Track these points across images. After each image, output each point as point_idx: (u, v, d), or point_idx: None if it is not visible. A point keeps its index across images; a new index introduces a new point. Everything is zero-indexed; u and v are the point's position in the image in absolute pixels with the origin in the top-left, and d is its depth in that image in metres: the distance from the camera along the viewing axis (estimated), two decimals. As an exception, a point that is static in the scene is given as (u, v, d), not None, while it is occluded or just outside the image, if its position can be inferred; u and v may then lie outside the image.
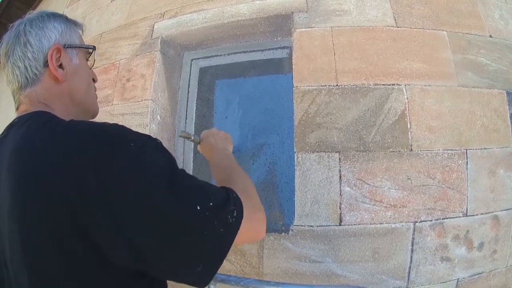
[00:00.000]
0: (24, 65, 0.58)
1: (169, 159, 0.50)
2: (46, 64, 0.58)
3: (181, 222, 0.45)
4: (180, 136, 0.98)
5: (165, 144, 1.49)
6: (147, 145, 0.48)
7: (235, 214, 0.50)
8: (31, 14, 0.62)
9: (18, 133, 0.52)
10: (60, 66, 0.60)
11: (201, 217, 0.46)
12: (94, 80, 0.71)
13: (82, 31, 0.70)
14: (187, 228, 0.45)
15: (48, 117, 0.54)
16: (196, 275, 0.48)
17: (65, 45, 0.61)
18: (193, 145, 1.49)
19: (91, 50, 0.68)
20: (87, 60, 0.69)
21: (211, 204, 0.47)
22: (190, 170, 1.47)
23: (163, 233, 0.44)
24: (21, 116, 0.57)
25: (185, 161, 1.49)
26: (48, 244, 0.43)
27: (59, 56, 0.60)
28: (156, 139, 0.51)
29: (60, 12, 2.27)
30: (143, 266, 0.45)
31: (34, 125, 0.52)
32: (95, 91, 0.72)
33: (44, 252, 0.43)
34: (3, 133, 0.57)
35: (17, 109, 0.62)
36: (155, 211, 0.43)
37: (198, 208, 0.46)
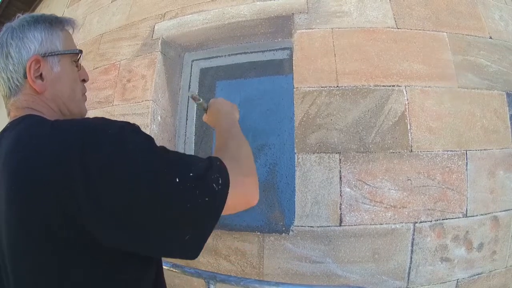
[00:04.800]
0: (7, 76, 0.60)
1: (147, 139, 0.51)
2: (26, 76, 0.59)
3: (162, 196, 0.46)
4: (189, 96, 0.97)
5: (166, 145, 1.50)
6: (125, 129, 0.50)
7: (220, 182, 0.51)
8: (18, 19, 0.62)
9: (10, 136, 0.54)
10: (41, 75, 0.60)
11: (181, 189, 0.47)
12: (84, 80, 0.72)
13: (73, 29, 0.69)
14: (169, 201, 0.46)
15: (36, 119, 0.56)
16: (184, 247, 0.49)
17: (45, 54, 0.61)
18: (193, 146, 1.49)
19: (76, 54, 0.67)
20: (76, 61, 0.68)
21: (191, 174, 0.48)
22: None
23: (147, 209, 0.45)
24: (12, 121, 0.60)
25: (186, 161, 1.49)
26: (41, 238, 0.45)
27: (39, 67, 0.60)
28: (134, 124, 0.53)
29: (60, 12, 2.26)
30: (132, 245, 0.47)
31: (23, 128, 0.54)
32: (85, 92, 0.72)
33: (39, 246, 0.45)
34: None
35: (8, 115, 0.64)
36: (137, 189, 0.45)
37: (177, 180, 0.47)
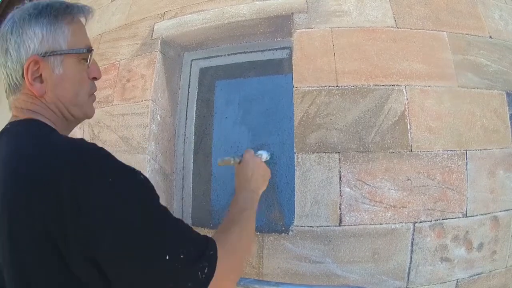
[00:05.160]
0: (6, 73, 0.56)
1: (149, 195, 0.50)
2: (23, 76, 0.55)
3: (148, 270, 0.45)
4: (220, 165, 0.93)
5: (165, 144, 1.50)
6: (127, 177, 0.49)
7: (205, 271, 0.50)
8: (21, 8, 0.56)
9: (8, 144, 0.53)
10: (41, 77, 0.56)
11: (168, 268, 0.46)
12: (95, 78, 0.66)
13: (86, 18, 0.63)
14: (153, 274, 0.45)
15: (35, 130, 0.54)
16: None
17: (45, 53, 0.55)
18: (193, 145, 1.49)
19: (84, 54, 0.61)
20: (87, 59, 0.62)
21: (181, 256, 0.47)
22: (190, 171, 1.47)
23: (131, 269, 0.46)
24: (12, 122, 0.57)
25: (185, 162, 1.49)
26: (41, 238, 0.45)
27: (38, 68, 0.55)
28: (139, 173, 0.51)
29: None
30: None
31: (21, 140, 0.52)
32: (94, 91, 0.67)
33: (39, 246, 0.45)
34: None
35: (10, 109, 0.61)
36: (127, 248, 0.45)
37: (167, 258, 0.46)
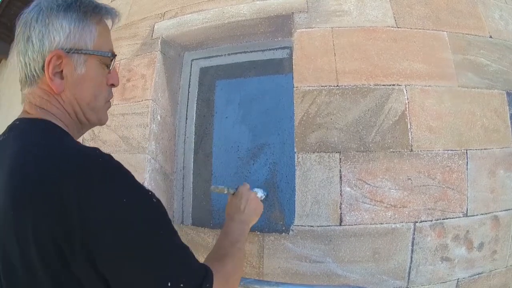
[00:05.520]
0: (25, 61, 0.53)
1: (159, 217, 0.50)
2: (44, 68, 0.52)
3: None
4: (212, 191, 0.95)
5: (165, 144, 1.50)
6: (139, 194, 0.49)
7: None
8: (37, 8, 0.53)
9: (16, 140, 0.51)
10: (61, 73, 0.54)
11: None
12: (113, 85, 0.64)
13: (113, 22, 0.61)
14: None
15: (47, 131, 0.52)
16: None
17: (70, 49, 0.53)
18: (193, 145, 1.49)
19: (107, 58, 0.59)
20: (108, 64, 0.60)
21: (181, 285, 0.47)
22: (190, 171, 1.47)
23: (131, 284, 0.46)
24: (22, 119, 0.55)
25: (186, 161, 1.49)
26: (34, 265, 0.44)
27: (60, 63, 0.53)
28: (153, 195, 0.51)
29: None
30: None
31: (31, 138, 0.51)
32: (110, 98, 0.64)
33: (32, 268, 0.45)
34: (3, 134, 0.56)
35: (22, 102, 0.58)
36: (131, 265, 0.45)
37: (169, 285, 0.46)
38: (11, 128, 0.54)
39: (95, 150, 0.49)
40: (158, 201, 0.52)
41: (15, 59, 0.54)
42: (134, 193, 0.48)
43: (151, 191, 0.51)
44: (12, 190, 0.46)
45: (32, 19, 0.51)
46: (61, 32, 0.52)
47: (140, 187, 0.50)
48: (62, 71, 0.53)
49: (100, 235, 0.43)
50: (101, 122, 0.64)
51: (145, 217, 0.48)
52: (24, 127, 0.53)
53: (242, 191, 0.93)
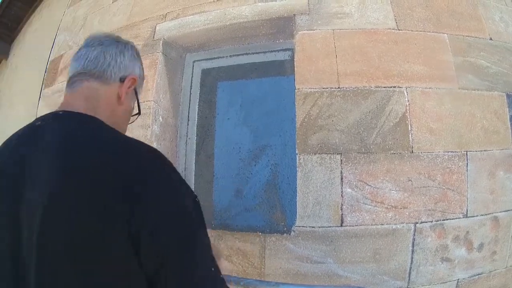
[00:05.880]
0: (110, 61, 0.63)
1: (202, 215, 0.55)
2: (121, 80, 0.64)
3: (200, 275, 0.50)
4: None
5: (167, 145, 1.50)
6: (192, 195, 0.54)
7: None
8: (120, 40, 0.67)
9: (73, 135, 0.54)
10: (127, 90, 0.65)
11: (211, 277, 0.52)
12: (132, 115, 0.74)
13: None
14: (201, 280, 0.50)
15: (102, 127, 0.58)
16: None
17: (139, 78, 0.68)
18: (195, 146, 1.50)
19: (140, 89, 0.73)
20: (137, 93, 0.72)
21: (212, 269, 0.53)
22: (192, 172, 1.48)
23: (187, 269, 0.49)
24: (68, 113, 0.58)
25: (187, 162, 1.49)
26: (94, 246, 0.46)
27: (131, 84, 0.66)
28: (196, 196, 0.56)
29: (61, 13, 2.24)
30: None
31: (98, 133, 0.56)
32: (131, 122, 0.75)
33: (89, 248, 0.46)
34: (38, 121, 0.58)
35: (66, 85, 0.64)
36: (189, 249, 0.49)
37: (213, 269, 0.52)
38: (55, 118, 0.58)
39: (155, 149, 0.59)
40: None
41: (91, 54, 0.63)
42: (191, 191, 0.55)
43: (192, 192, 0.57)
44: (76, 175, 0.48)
45: (125, 47, 0.66)
46: (138, 67, 0.68)
47: (193, 193, 0.56)
48: (129, 88, 0.65)
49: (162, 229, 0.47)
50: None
51: (199, 215, 0.54)
52: (82, 119, 0.58)
53: None
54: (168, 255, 0.47)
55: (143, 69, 0.72)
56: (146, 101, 1.50)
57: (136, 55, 0.70)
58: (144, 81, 0.77)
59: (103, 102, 0.62)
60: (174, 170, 0.56)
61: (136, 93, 0.69)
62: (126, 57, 0.66)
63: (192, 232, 0.50)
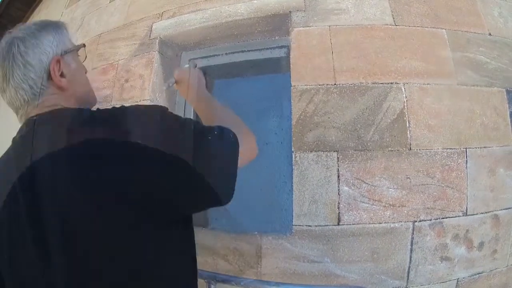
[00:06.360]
0: (29, 85, 0.60)
1: (175, 114, 0.61)
2: (50, 78, 0.62)
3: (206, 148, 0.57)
4: (167, 87, 1.00)
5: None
6: (163, 111, 0.59)
7: (231, 135, 0.62)
8: (18, 30, 0.63)
9: (61, 122, 0.57)
10: (62, 74, 0.63)
11: (215, 142, 0.59)
12: (85, 71, 0.74)
13: (67, 29, 0.72)
14: (208, 149, 0.57)
15: (72, 110, 0.61)
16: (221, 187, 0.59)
17: (61, 53, 0.64)
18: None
19: (82, 48, 0.72)
20: (78, 55, 0.72)
21: (215, 132, 0.60)
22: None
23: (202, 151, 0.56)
24: (40, 114, 0.60)
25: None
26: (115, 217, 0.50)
27: (59, 66, 0.63)
28: (164, 107, 0.61)
29: (59, 13, 2.25)
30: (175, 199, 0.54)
31: (68, 117, 0.59)
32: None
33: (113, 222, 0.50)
34: (23, 130, 0.60)
35: (26, 117, 0.63)
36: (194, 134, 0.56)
37: (209, 138, 0.58)
38: (32, 122, 0.60)
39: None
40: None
41: (11, 94, 0.61)
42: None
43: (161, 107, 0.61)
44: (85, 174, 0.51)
45: (19, 48, 0.60)
46: (51, 44, 0.63)
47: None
48: (62, 72, 0.63)
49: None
50: (96, 100, 0.75)
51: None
52: (56, 115, 0.60)
53: (180, 75, 0.98)
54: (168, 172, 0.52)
55: (61, 32, 0.66)
56: (143, 100, 1.49)
57: (40, 33, 0.62)
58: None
59: (60, 101, 0.63)
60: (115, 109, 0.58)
61: (71, 58, 0.66)
62: (33, 63, 0.60)
63: (161, 129, 0.55)
